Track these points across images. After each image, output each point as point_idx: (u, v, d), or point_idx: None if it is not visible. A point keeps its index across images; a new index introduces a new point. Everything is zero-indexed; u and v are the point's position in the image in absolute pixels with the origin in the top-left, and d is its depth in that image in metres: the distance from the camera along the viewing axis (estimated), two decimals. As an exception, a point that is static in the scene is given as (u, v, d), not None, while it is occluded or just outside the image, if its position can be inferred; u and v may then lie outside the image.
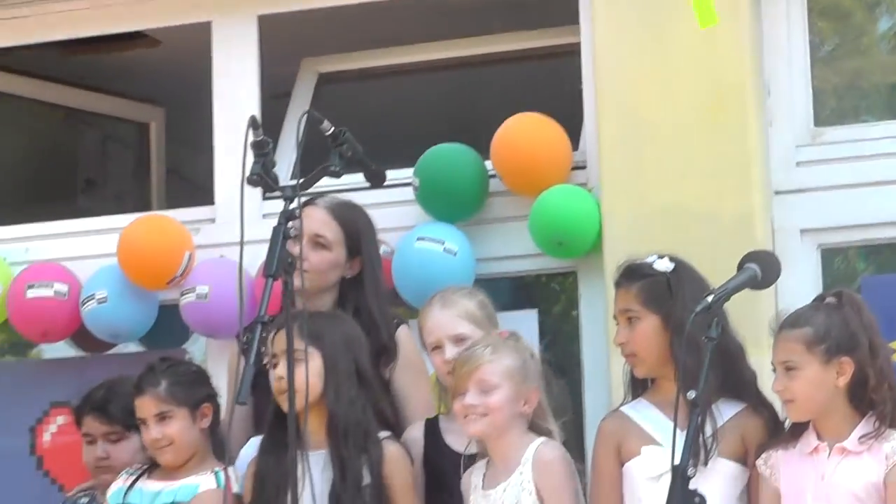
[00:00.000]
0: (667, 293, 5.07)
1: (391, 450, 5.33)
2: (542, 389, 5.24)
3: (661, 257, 5.18)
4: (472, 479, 5.25)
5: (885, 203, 6.26)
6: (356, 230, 5.88)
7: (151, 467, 5.80)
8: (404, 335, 5.87)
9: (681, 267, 5.17)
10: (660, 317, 5.04)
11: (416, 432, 5.59)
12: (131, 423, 5.96)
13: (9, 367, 8.16)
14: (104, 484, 6.01)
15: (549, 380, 5.35)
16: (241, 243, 5.22)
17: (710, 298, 4.67)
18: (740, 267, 4.88)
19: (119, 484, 5.81)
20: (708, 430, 4.79)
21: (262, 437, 5.50)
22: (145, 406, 5.60)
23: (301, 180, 5.14)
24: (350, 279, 5.82)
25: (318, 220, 5.74)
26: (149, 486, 5.75)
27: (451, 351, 5.39)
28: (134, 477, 5.79)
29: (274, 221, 5.06)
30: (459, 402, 5.16)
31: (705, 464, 4.85)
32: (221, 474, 5.54)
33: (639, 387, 5.27)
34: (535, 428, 5.22)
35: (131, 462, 5.97)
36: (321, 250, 5.70)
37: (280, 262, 4.90)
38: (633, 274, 5.18)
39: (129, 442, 6.05)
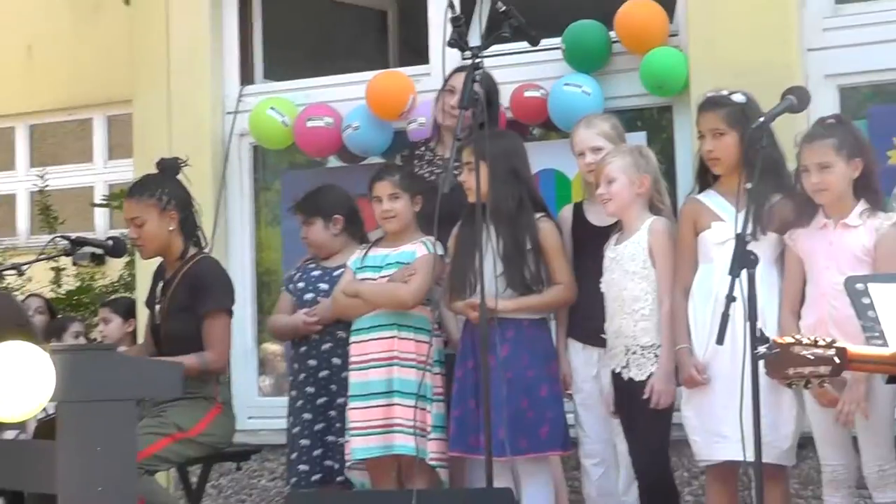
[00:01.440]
0: (743, 117, 5.50)
1: (544, 224, 5.99)
2: (654, 179, 5.82)
3: (734, 93, 5.65)
4: (610, 241, 5.86)
5: (885, 56, 6.86)
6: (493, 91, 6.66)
7: (376, 242, 6.45)
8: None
9: (749, 99, 5.62)
10: (737, 133, 5.47)
11: (566, 213, 6.27)
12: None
13: (300, 174, 8.82)
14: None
15: (659, 174, 5.92)
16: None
17: (762, 118, 5.14)
18: (782, 98, 5.22)
19: (357, 254, 6.46)
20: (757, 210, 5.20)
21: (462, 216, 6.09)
22: (382, 187, 6.28)
23: (481, 43, 5.93)
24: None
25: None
26: (378, 252, 6.38)
27: (590, 157, 6.06)
28: (366, 249, 6.44)
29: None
30: (598, 192, 5.85)
31: (755, 236, 5.28)
32: (429, 243, 6.18)
33: (704, 181, 5.75)
34: (653, 207, 5.82)
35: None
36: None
37: (469, 99, 5.71)
38: (719, 103, 5.63)
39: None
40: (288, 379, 7.42)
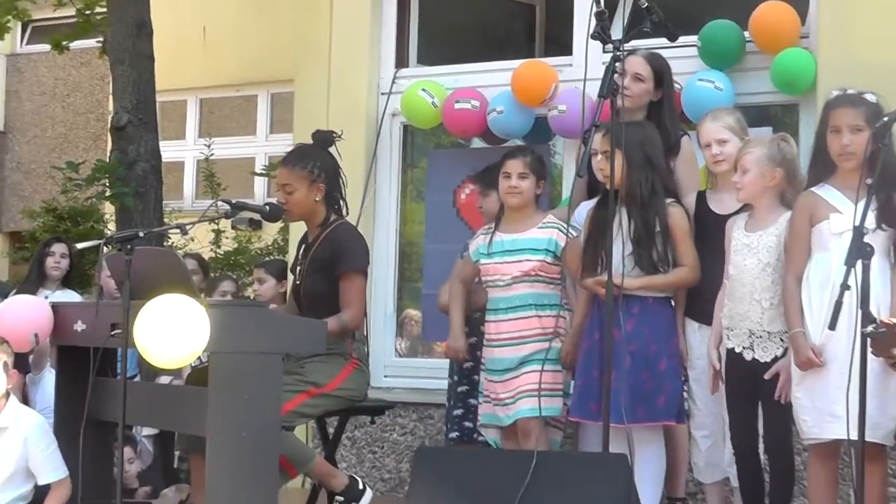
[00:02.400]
0: (876, 117, 5.26)
1: (673, 209, 5.93)
2: (790, 171, 5.70)
3: (865, 93, 5.48)
4: (737, 223, 5.75)
5: None
6: (661, 71, 6.51)
7: (496, 227, 6.40)
8: (685, 141, 6.43)
9: (879, 99, 5.46)
10: (872, 130, 5.19)
11: (690, 199, 6.15)
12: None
13: (445, 153, 8.91)
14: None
15: (798, 166, 5.78)
16: (584, 79, 6.46)
17: (885, 118, 5.04)
18: None
19: (480, 241, 6.47)
20: (873, 204, 4.99)
21: (597, 199, 6.14)
22: (513, 166, 6.26)
23: (623, 37, 5.80)
24: (655, 102, 6.47)
25: (637, 63, 6.38)
26: (505, 237, 6.35)
27: (716, 148, 5.99)
28: (489, 235, 6.41)
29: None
30: (733, 179, 5.78)
31: (877, 227, 5.22)
32: (564, 229, 6.21)
33: (817, 175, 5.58)
34: (785, 200, 5.69)
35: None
36: (638, 83, 6.36)
37: (609, 88, 5.59)
38: (858, 101, 5.45)
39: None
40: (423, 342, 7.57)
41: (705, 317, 5.95)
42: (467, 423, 6.94)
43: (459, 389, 7.00)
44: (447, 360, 7.23)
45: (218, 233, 11.99)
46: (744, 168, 5.67)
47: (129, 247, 5.67)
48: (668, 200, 5.98)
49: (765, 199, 5.70)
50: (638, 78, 6.37)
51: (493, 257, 6.34)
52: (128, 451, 7.58)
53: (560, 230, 6.24)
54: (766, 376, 5.60)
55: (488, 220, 6.77)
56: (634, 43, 6.35)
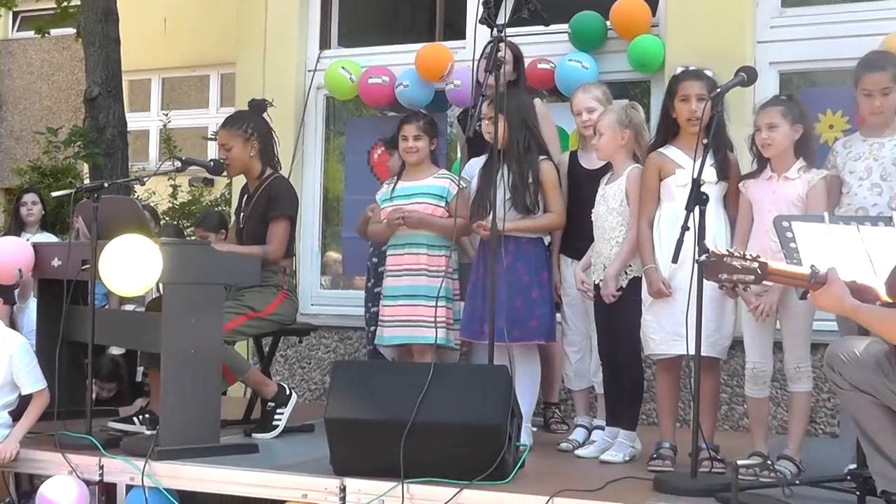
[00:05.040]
0: (714, 88, 5.15)
1: (544, 164, 5.77)
2: (637, 133, 5.57)
3: (706, 69, 5.39)
4: (603, 179, 5.66)
5: (816, 50, 6.89)
6: (518, 55, 6.51)
7: (399, 177, 6.24)
8: (537, 102, 6.28)
9: (714, 75, 5.38)
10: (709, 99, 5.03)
11: (564, 158, 6.05)
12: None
13: (361, 121, 8.68)
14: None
15: (643, 129, 5.63)
16: (474, 59, 6.07)
17: (719, 89, 5.00)
18: (735, 75, 5.06)
19: (384, 189, 6.32)
20: (709, 161, 5.01)
21: (485, 158, 5.88)
22: (409, 129, 6.15)
23: (506, 22, 5.65)
24: (513, 80, 6.34)
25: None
26: (405, 184, 6.22)
27: (586, 115, 5.86)
28: (392, 184, 6.26)
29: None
30: (591, 142, 5.72)
31: (714, 181, 5.20)
32: (455, 179, 6.12)
33: (664, 137, 5.46)
34: (636, 157, 5.60)
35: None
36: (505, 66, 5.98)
37: (493, 65, 5.42)
38: (700, 75, 5.35)
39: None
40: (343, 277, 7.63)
41: (577, 254, 5.86)
42: None
43: (373, 309, 6.84)
44: (363, 291, 7.24)
45: (175, 187, 11.99)
46: (600, 131, 5.60)
47: (96, 195, 5.72)
48: (541, 157, 5.84)
49: (618, 157, 5.60)
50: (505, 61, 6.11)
51: (395, 200, 6.21)
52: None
53: (452, 181, 6.14)
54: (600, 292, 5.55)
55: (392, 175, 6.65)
56: (514, 29, 6.15)
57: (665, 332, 5.26)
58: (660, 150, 5.47)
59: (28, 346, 5.93)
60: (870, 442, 4.00)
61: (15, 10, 12.55)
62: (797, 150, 5.15)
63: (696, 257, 4.55)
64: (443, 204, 6.11)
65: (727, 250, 3.90)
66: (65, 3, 11.02)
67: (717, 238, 5.15)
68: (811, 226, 4.23)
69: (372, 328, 6.81)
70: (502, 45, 5.54)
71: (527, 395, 5.72)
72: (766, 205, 5.13)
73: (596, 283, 5.59)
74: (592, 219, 5.65)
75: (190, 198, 12.14)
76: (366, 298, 7.13)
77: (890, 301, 3.70)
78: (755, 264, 3.85)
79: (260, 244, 6.25)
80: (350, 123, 8.79)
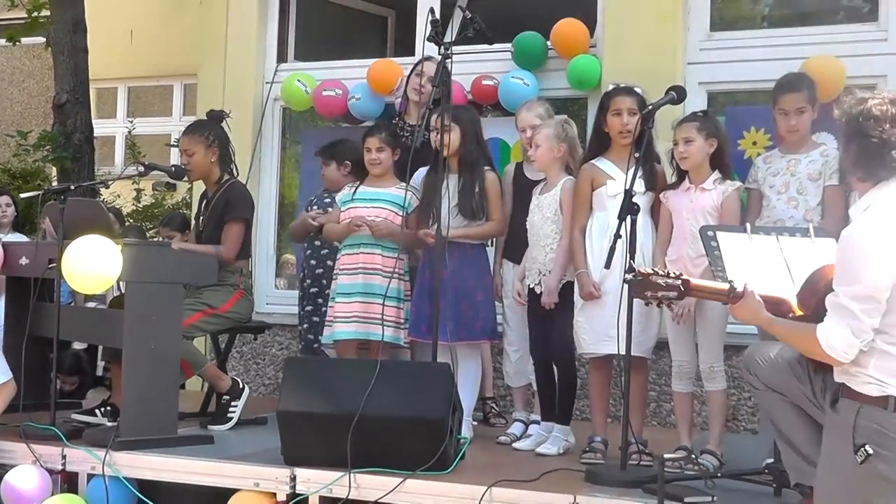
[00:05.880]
0: (643, 105, 5.21)
1: (488, 174, 5.79)
2: (572, 147, 5.58)
3: (637, 87, 5.43)
4: (535, 191, 5.67)
5: (740, 72, 6.93)
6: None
7: (361, 183, 6.13)
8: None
9: (644, 92, 5.41)
10: (640, 115, 5.07)
11: (510, 168, 6.13)
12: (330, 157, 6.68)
13: (315, 130, 8.58)
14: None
15: (577, 143, 5.64)
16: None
17: (650, 106, 4.99)
18: (666, 93, 5.07)
19: (345, 191, 6.21)
20: (638, 173, 4.91)
21: (428, 168, 5.87)
22: (373, 141, 6.08)
23: (452, 40, 5.59)
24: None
25: (431, 68, 6.23)
26: (368, 189, 6.12)
27: (530, 132, 5.73)
28: (354, 188, 6.15)
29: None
30: (528, 154, 5.73)
31: (642, 192, 5.19)
32: (412, 191, 5.98)
33: (596, 150, 5.46)
34: (569, 169, 5.59)
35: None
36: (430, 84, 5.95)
37: (441, 80, 5.43)
38: (631, 91, 5.38)
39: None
40: (298, 277, 7.42)
41: (518, 258, 5.83)
42: (310, 337, 6.79)
43: (308, 308, 6.86)
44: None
45: (139, 191, 11.91)
46: (536, 143, 5.59)
47: (63, 197, 5.69)
48: (487, 168, 5.85)
49: (553, 169, 5.60)
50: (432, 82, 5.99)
51: (355, 202, 6.12)
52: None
53: (414, 194, 6.03)
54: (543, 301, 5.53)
55: (329, 185, 6.79)
56: (460, 47, 6.04)
57: (596, 332, 5.26)
58: (592, 161, 5.46)
59: (-6, 340, 5.86)
60: (783, 438, 4.04)
61: (-16, 19, 12.34)
62: (712, 162, 5.16)
63: (625, 266, 4.60)
64: (402, 213, 6.04)
65: (652, 269, 3.92)
66: (35, 14, 10.93)
67: (645, 245, 5.16)
68: (734, 235, 4.26)
69: (304, 325, 6.82)
70: (426, 66, 5.70)
71: (469, 391, 5.74)
72: (684, 213, 5.14)
73: (531, 286, 5.59)
74: (528, 227, 5.64)
75: (153, 201, 12.05)
76: (300, 297, 7.02)
77: (801, 314, 3.73)
78: (678, 282, 3.86)
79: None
80: (305, 133, 8.73)
